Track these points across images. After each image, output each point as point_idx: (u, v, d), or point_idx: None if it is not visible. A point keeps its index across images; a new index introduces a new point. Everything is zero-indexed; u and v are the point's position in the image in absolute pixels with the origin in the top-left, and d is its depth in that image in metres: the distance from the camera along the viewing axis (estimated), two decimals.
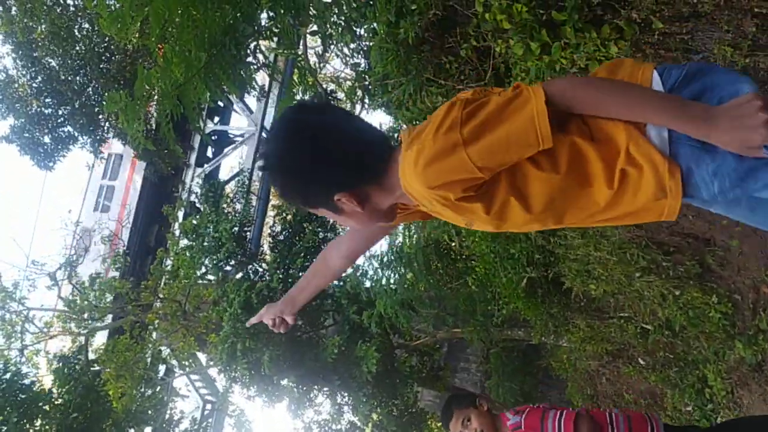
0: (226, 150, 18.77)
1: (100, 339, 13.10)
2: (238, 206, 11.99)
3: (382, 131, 1.60)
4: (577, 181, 1.38)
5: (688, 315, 4.77)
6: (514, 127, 1.29)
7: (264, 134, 17.26)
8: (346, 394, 9.55)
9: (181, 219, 12.53)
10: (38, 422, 8.38)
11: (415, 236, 6.68)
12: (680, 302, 4.82)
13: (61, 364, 9.27)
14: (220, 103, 18.06)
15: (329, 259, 1.98)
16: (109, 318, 12.61)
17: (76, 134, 12.18)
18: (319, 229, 9.19)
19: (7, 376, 8.27)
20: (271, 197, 15.02)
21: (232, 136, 19.66)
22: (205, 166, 18.44)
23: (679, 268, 4.76)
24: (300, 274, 8.78)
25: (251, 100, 18.04)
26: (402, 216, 1.73)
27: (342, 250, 1.95)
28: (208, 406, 14.97)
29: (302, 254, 8.80)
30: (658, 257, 4.71)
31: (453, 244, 6.84)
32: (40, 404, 8.20)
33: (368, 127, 1.55)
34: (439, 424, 16.48)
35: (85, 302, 11.18)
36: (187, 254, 9.85)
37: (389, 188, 1.50)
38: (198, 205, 12.14)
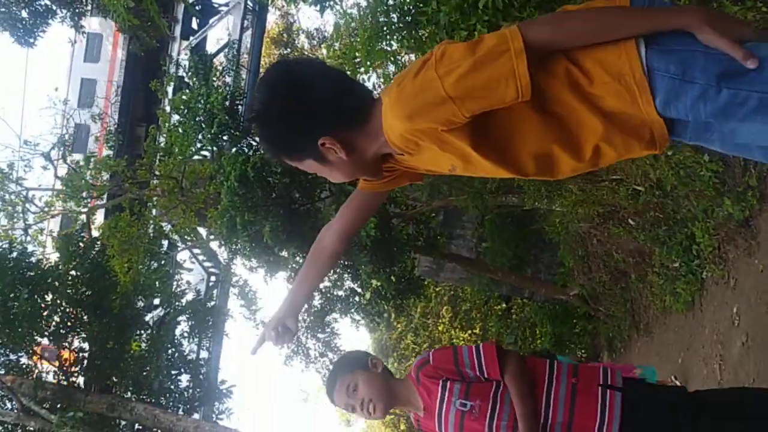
0: (211, 21, 18.04)
1: (100, 218, 13.27)
2: (228, 79, 11.72)
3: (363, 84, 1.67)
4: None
5: (679, 174, 4.82)
6: (493, 76, 1.31)
7: (249, 3, 16.52)
8: (345, 261, 9.83)
9: (170, 95, 12.25)
10: (49, 297, 8.67)
11: None
12: (672, 162, 4.85)
13: (65, 241, 9.45)
14: None
15: (324, 243, 1.91)
16: (106, 197, 12.69)
17: (54, 7, 11.64)
18: None
19: (14, 254, 8.44)
20: (261, 70, 14.63)
21: (216, 5, 18.83)
22: (191, 38, 17.80)
23: None
24: None
25: None
26: (389, 181, 1.75)
27: (335, 231, 1.89)
28: (213, 278, 15.46)
29: None
30: None
31: None
32: (49, 280, 8.43)
33: (348, 77, 1.61)
34: (438, 289, 17.01)
35: (82, 181, 11.19)
36: (180, 130, 9.76)
37: (373, 133, 1.52)
38: (187, 79, 11.83)
